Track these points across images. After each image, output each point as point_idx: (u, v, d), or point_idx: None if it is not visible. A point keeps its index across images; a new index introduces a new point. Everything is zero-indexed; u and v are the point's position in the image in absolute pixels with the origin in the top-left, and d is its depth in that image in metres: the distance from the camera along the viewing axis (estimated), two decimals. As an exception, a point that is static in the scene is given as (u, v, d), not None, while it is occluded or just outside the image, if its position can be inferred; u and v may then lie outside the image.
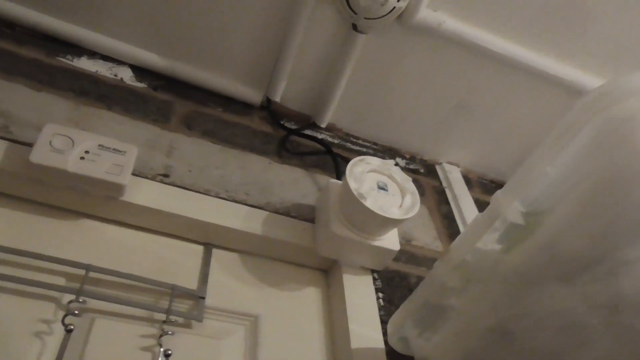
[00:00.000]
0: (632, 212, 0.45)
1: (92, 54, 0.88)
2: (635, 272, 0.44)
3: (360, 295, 0.76)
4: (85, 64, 0.86)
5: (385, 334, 0.71)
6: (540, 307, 0.53)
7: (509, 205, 0.54)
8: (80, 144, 0.67)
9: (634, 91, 0.45)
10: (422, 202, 0.99)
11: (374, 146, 1.06)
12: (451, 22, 0.88)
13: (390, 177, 0.78)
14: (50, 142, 0.65)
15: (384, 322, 0.73)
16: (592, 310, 0.47)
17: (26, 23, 0.85)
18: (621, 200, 0.46)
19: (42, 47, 0.84)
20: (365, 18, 0.84)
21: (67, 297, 0.61)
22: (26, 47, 0.83)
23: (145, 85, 0.89)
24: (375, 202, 0.71)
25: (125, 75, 0.88)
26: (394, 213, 0.71)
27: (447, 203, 1.02)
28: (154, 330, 0.64)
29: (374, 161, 0.78)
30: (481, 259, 0.58)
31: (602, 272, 0.47)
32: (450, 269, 0.59)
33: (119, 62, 0.90)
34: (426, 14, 0.86)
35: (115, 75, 0.87)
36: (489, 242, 0.57)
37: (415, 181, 1.03)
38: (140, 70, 0.90)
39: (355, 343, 0.69)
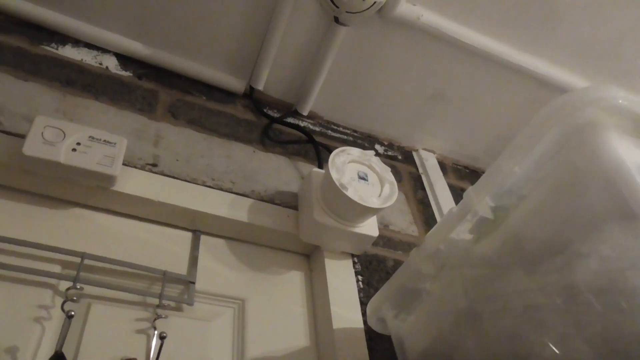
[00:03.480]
0: (587, 210, 0.51)
1: (76, 42, 0.88)
2: (588, 264, 0.50)
3: (341, 278, 0.80)
4: (69, 52, 0.86)
5: (364, 314, 0.76)
6: (505, 291, 0.59)
7: (480, 201, 0.59)
8: (71, 135, 0.69)
9: (592, 101, 0.50)
10: (399, 188, 1.04)
11: (354, 133, 1.10)
12: (429, 16, 0.91)
13: (370, 167, 0.82)
14: (42, 134, 0.67)
15: (363, 304, 0.78)
16: (550, 296, 0.53)
17: (8, 10, 0.84)
18: (578, 199, 0.51)
19: (25, 35, 0.84)
20: (347, 12, 0.86)
21: (64, 284, 0.64)
22: (9, 35, 0.83)
23: (131, 74, 0.90)
24: (356, 192, 0.75)
25: (110, 63, 0.89)
26: (374, 202, 0.76)
27: (423, 189, 1.07)
28: (147, 314, 0.68)
29: (355, 152, 0.82)
30: (453, 248, 0.63)
31: (559, 263, 0.53)
32: (425, 257, 0.65)
33: (104, 50, 0.90)
34: (405, 8, 0.89)
35: (101, 64, 0.88)
36: (461, 233, 0.63)
37: (392, 167, 1.08)
38: (125, 59, 0.91)
39: (337, 324, 0.74)
